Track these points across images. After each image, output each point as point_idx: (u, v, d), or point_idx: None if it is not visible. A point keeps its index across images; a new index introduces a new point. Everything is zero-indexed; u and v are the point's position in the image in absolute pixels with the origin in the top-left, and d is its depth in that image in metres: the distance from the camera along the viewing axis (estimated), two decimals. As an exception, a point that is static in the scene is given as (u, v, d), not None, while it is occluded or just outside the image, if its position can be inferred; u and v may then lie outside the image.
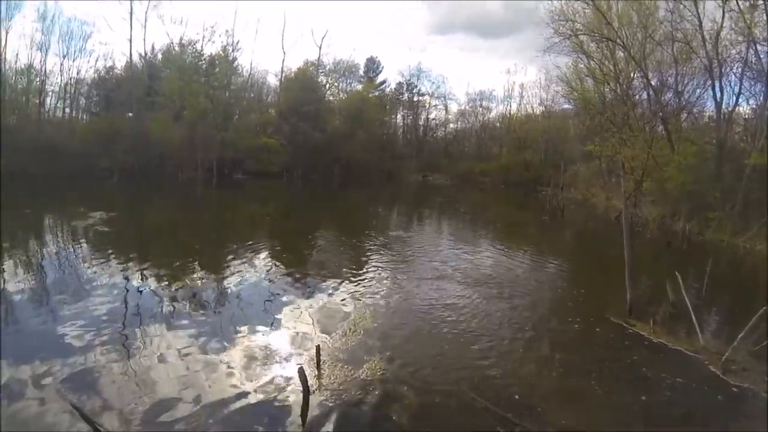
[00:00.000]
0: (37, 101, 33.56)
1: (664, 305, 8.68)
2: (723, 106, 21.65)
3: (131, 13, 34.31)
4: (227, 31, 37.10)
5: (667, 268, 10.55)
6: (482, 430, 4.55)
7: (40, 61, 33.60)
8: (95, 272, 9.39)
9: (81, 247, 12.10)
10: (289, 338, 6.55)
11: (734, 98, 21.81)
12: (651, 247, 16.96)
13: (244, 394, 4.94)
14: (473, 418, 4.75)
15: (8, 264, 9.59)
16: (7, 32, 31.95)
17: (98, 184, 27.33)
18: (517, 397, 5.17)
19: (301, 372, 4.67)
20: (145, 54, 37.43)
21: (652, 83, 23.85)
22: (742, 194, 18.06)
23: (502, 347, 6.55)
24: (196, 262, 10.62)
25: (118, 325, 6.61)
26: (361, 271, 10.55)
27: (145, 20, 35.14)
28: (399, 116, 52.73)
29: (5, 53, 31.42)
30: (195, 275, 9.63)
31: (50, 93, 35.24)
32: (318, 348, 5.63)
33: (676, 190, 20.47)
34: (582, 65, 27.22)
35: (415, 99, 51.86)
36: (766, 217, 16.05)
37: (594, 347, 6.87)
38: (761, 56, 20.00)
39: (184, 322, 6.90)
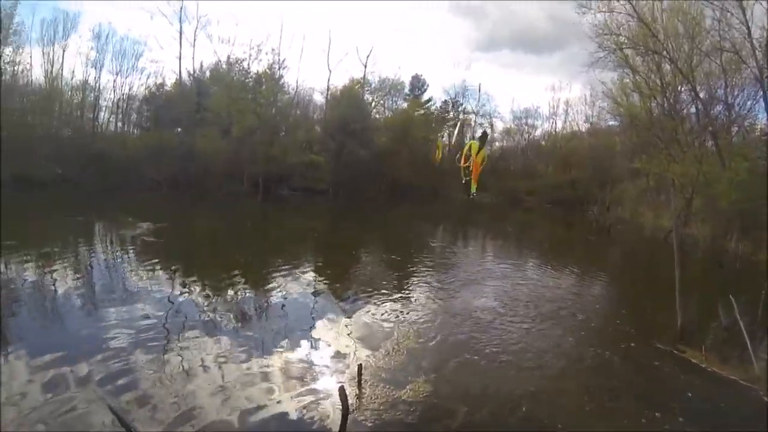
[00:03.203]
0: (91, 116, 35.54)
1: (715, 330, 8.26)
2: (775, 118, 20.60)
3: (180, 33, 35.85)
4: (273, 49, 37.40)
5: (718, 290, 10.06)
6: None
7: (95, 78, 35.65)
8: (141, 279, 9.82)
9: (128, 255, 12.61)
10: (330, 355, 6.57)
11: (787, 109, 20.66)
12: (701, 268, 16.23)
13: (282, 409, 4.96)
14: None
15: (59, 268, 10.13)
16: (63, 50, 34.35)
17: (147, 195, 28.44)
18: (559, 426, 5.03)
19: (342, 391, 4.64)
20: (194, 72, 38.82)
21: (701, 96, 22.83)
22: (800, 212, 16.99)
23: (548, 371, 6.43)
24: (240, 275, 10.81)
25: (160, 332, 6.86)
26: (404, 289, 10.53)
27: (194, 39, 36.54)
28: (445, 134, 52.32)
29: (62, 70, 33.87)
30: (238, 287, 9.86)
31: (104, 108, 37.17)
32: (360, 367, 5.61)
33: (728, 208, 19.51)
34: (627, 80, 26.34)
35: (461, 117, 51.13)
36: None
37: (642, 375, 6.60)
38: (815, 64, 18.93)
39: (225, 332, 7.06)
